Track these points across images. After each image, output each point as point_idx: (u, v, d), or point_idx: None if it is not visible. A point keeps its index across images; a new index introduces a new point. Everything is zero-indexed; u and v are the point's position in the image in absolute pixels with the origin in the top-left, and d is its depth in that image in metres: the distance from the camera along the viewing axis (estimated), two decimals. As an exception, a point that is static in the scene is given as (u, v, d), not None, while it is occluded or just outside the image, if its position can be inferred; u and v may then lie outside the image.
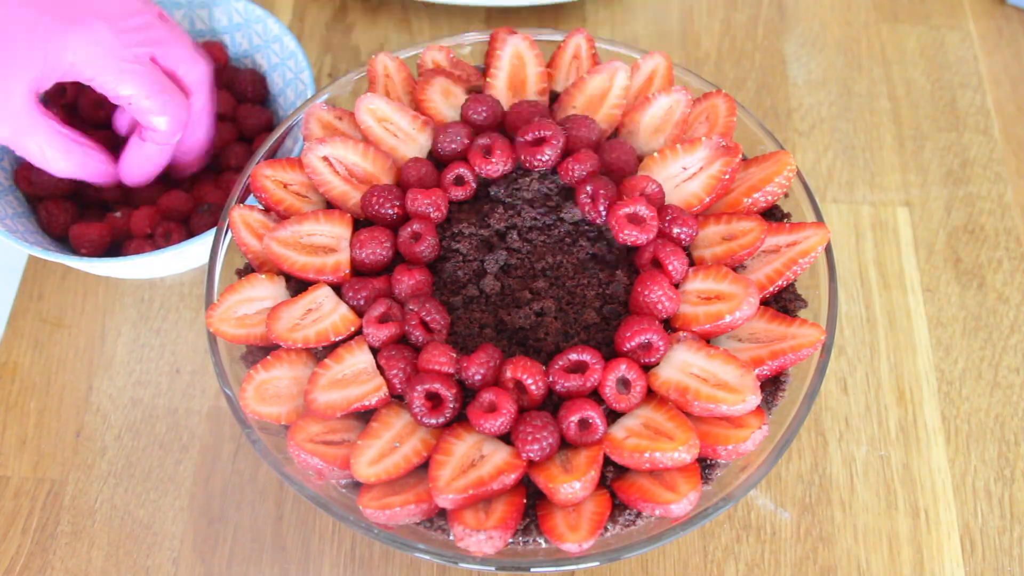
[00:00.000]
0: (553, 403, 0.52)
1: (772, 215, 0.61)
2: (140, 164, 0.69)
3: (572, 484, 0.47)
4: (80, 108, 0.76)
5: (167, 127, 0.66)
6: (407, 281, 0.54)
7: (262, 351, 0.55)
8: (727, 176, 0.57)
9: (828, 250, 0.57)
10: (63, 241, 0.74)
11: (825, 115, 0.85)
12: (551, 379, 0.51)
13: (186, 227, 0.72)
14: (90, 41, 0.61)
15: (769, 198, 0.58)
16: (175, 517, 0.66)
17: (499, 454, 0.50)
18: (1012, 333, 0.74)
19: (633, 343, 0.51)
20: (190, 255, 0.68)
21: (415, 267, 0.55)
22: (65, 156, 0.65)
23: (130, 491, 0.67)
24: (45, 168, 0.65)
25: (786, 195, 0.60)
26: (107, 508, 0.67)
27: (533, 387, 0.50)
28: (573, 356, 0.51)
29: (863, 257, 0.77)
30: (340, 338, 0.54)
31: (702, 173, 0.57)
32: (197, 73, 0.68)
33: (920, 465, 0.68)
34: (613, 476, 0.51)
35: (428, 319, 0.53)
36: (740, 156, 0.57)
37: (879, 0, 0.92)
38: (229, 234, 0.59)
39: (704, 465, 0.52)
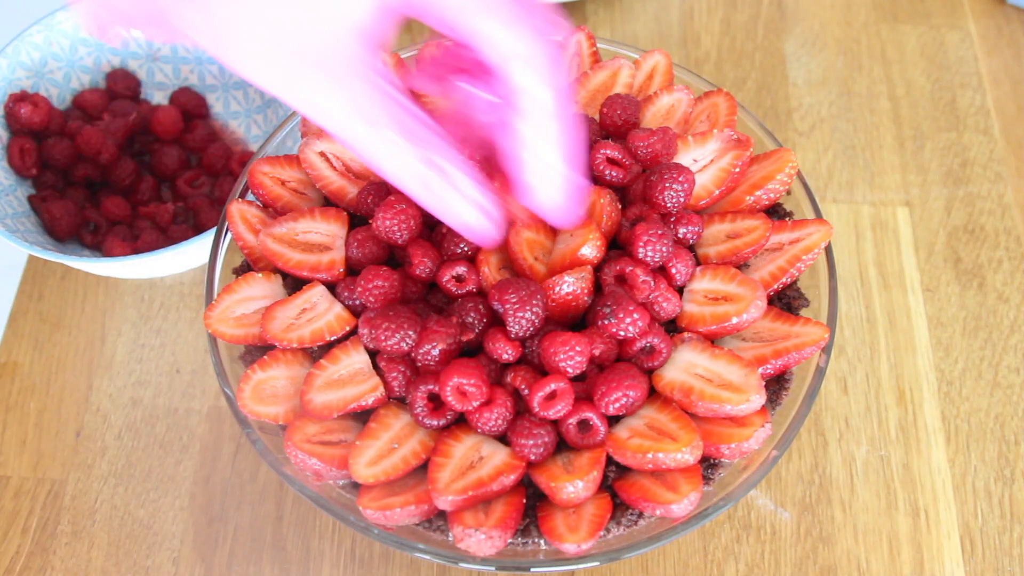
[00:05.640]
0: None
1: (775, 213, 0.61)
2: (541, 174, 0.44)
3: (575, 484, 0.47)
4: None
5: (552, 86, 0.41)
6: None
7: (261, 350, 0.55)
8: (738, 169, 0.56)
9: (828, 250, 0.57)
10: (63, 241, 0.74)
11: (825, 115, 0.85)
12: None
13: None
14: None
15: (771, 195, 0.57)
16: (175, 517, 0.66)
17: (498, 455, 0.49)
18: (1012, 333, 0.74)
19: (635, 348, 0.51)
20: (190, 255, 0.68)
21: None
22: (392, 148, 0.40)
23: (130, 491, 0.67)
24: (363, 159, 0.41)
25: (788, 192, 0.60)
26: (107, 508, 0.67)
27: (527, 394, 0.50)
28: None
29: (863, 257, 0.77)
30: (335, 338, 0.53)
31: (712, 166, 0.57)
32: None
33: (920, 465, 0.68)
34: (615, 476, 0.51)
35: None
36: (751, 150, 0.57)
37: (879, 0, 0.92)
38: (229, 234, 0.59)
39: (707, 465, 0.52)
